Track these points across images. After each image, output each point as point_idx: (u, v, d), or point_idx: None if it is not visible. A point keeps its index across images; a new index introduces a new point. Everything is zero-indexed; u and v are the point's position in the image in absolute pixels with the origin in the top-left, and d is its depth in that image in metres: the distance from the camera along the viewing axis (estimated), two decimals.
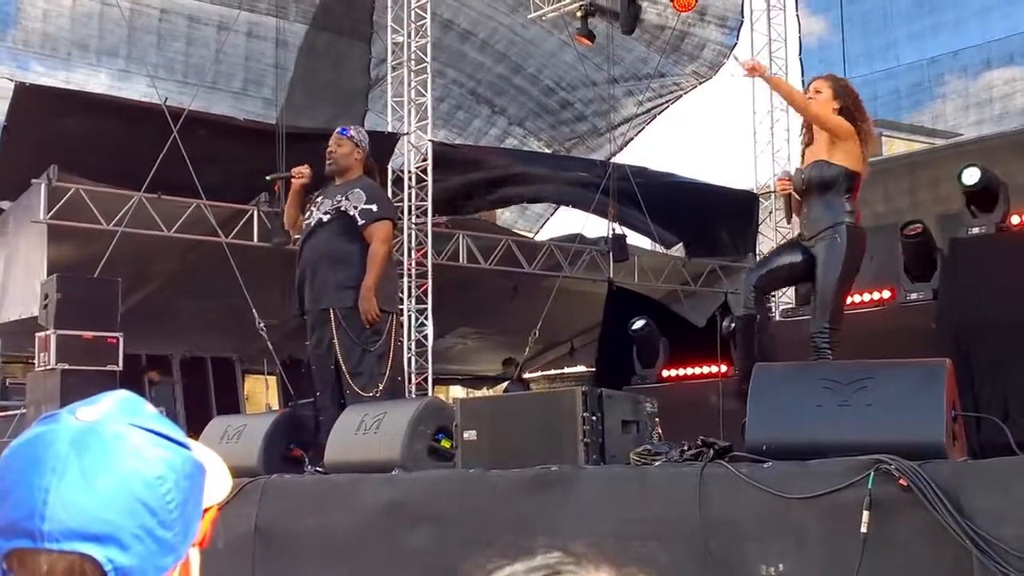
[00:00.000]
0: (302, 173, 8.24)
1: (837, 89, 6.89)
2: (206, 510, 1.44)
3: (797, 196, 7.02)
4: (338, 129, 8.44)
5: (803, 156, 7.08)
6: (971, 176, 8.18)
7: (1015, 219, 8.85)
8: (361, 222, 7.94)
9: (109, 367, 11.35)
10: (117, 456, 1.32)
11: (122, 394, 1.42)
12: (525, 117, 20.57)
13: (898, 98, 17.69)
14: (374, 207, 8.00)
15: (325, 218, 8.00)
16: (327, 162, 8.14)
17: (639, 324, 12.52)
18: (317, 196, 8.19)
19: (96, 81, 16.61)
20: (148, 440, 1.36)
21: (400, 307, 8.69)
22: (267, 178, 9.26)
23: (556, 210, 22.03)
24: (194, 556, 1.42)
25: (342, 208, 7.96)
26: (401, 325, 12.23)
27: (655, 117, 20.98)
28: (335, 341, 7.83)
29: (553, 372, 21.75)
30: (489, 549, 5.66)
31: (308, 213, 8.15)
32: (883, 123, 20.18)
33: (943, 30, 17.44)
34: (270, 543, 6.68)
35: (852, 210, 6.82)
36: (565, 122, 20.67)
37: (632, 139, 21.06)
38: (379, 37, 16.56)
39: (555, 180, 18.04)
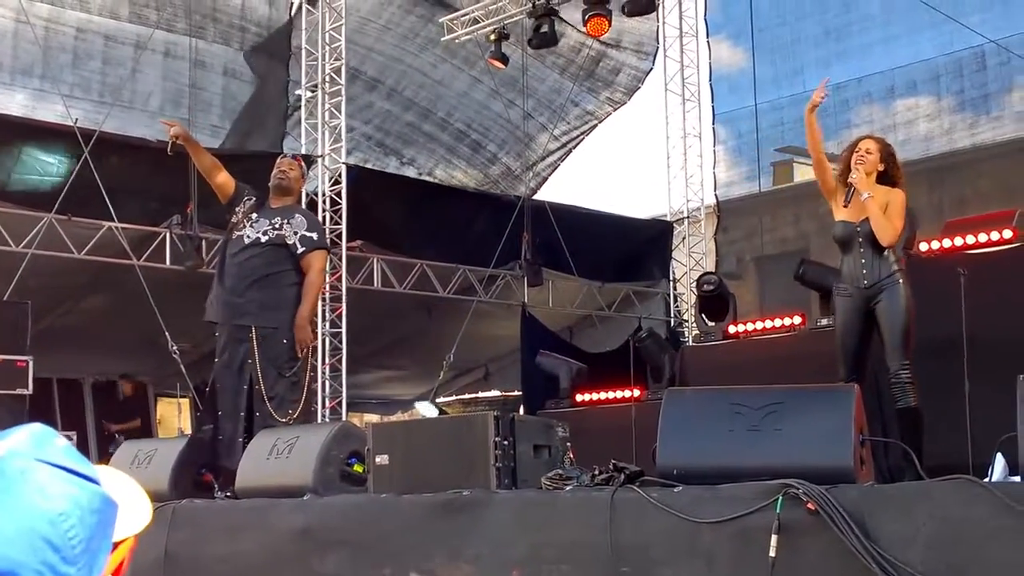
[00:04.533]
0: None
1: (884, 154, 7.63)
2: (121, 542, 1.43)
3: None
4: (289, 155, 8.83)
5: (846, 197, 7.44)
6: None
7: (923, 246, 9.01)
8: (301, 249, 7.94)
9: (19, 391, 11.20)
10: (20, 493, 1.32)
11: (34, 428, 1.42)
12: (435, 165, 20.20)
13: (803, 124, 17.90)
14: (315, 235, 8.06)
15: (263, 239, 7.93)
16: (278, 178, 8.12)
17: (539, 359, 13.48)
18: (252, 213, 8.07)
19: (12, 100, 16.31)
20: (54, 476, 1.35)
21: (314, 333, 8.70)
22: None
23: None
24: None
25: (282, 232, 7.94)
26: (314, 350, 12.16)
27: (570, 152, 20.79)
28: (250, 361, 7.75)
29: (468, 396, 21.71)
30: (401, 575, 5.65)
31: (240, 225, 8.07)
32: (791, 149, 20.40)
33: (849, 57, 17.67)
34: (180, 569, 6.61)
35: (900, 256, 7.45)
36: (477, 166, 20.30)
37: (547, 178, 20.89)
38: (296, 59, 16.44)
39: (466, 240, 17.41)
